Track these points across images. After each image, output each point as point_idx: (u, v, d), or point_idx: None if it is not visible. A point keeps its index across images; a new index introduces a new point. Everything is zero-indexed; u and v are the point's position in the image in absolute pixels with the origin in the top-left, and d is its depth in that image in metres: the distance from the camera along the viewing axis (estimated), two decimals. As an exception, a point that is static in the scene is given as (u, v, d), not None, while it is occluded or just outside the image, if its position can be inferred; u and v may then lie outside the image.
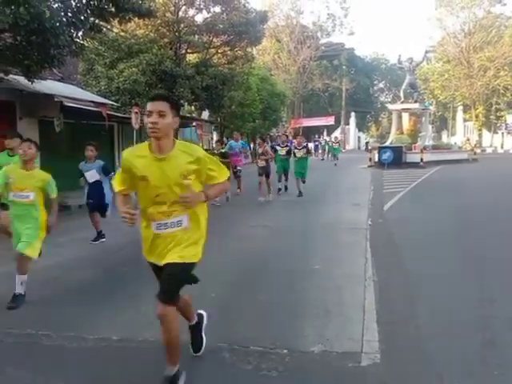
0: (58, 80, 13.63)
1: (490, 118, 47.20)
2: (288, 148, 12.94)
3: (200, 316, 3.56)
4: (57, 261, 6.18)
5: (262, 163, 11.92)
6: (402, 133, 27.82)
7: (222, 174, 3.06)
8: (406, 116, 28.07)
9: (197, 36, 18.55)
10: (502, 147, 45.44)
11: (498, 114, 46.66)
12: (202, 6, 17.83)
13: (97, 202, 7.39)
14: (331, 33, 56.53)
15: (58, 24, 7.93)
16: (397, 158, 23.53)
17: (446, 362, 3.28)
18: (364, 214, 9.71)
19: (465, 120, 51.84)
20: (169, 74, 16.14)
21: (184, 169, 2.80)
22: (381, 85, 72.44)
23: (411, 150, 25.25)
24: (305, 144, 13.61)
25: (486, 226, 8.33)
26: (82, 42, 9.70)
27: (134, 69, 15.04)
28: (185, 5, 17.68)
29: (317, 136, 44.23)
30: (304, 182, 12.77)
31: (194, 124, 24.26)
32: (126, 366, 3.34)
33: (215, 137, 29.09)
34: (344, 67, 60.83)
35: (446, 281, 5.17)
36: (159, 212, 2.87)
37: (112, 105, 14.01)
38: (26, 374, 3.20)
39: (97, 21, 9.33)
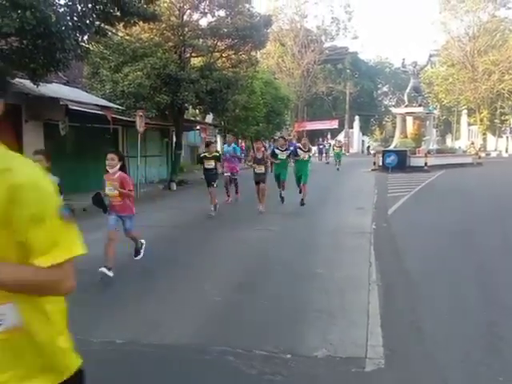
0: (64, 83, 13.70)
1: (495, 122, 46.99)
2: (289, 152, 11.99)
3: None
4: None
5: (259, 169, 10.62)
6: (406, 137, 27.76)
7: (61, 251, 1.33)
8: (410, 120, 28.02)
9: (201, 40, 18.59)
10: (506, 151, 45.25)
11: (502, 117, 46.45)
12: (206, 10, 17.88)
13: None
14: (335, 37, 56.61)
15: (63, 28, 7.98)
16: (401, 162, 23.46)
17: (450, 368, 3.27)
18: (368, 217, 9.69)
19: (469, 124, 51.66)
20: (173, 78, 16.19)
21: None
22: (385, 88, 72.35)
23: (415, 153, 25.19)
24: (310, 147, 12.79)
25: (490, 230, 8.29)
26: (87, 45, 9.75)
27: (138, 72, 15.09)
28: (189, 9, 17.73)
29: (321, 139, 44.15)
30: (304, 186, 11.58)
31: (198, 127, 24.33)
32: (131, 369, 3.35)
33: (219, 140, 29.14)
34: (348, 71, 60.80)
35: (451, 285, 5.16)
36: None
37: (117, 108, 14.06)
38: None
39: (102, 25, 9.38)
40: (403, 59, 29.84)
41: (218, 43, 18.55)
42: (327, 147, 36.06)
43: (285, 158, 11.68)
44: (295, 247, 7.22)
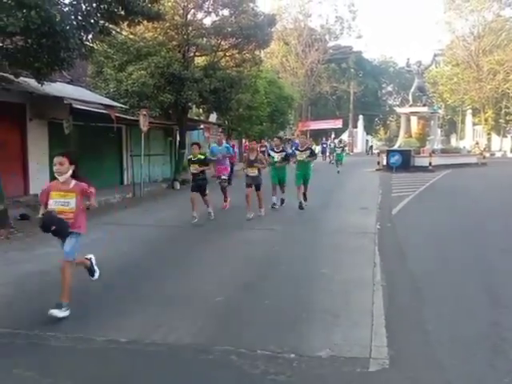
0: (68, 82, 13.72)
1: (500, 122, 46.78)
2: (285, 153, 10.93)
3: None
4: (65, 262, 6.21)
5: (252, 172, 9.68)
6: (410, 136, 27.69)
7: None
8: (414, 119, 27.93)
9: (205, 39, 18.57)
10: (511, 151, 45.06)
11: (507, 117, 46.22)
12: (210, 9, 17.85)
13: None
14: (339, 36, 56.53)
15: (68, 27, 7.98)
16: (405, 162, 23.40)
17: (455, 368, 3.25)
18: (372, 218, 9.66)
19: (474, 124, 51.47)
20: (177, 77, 16.18)
21: None
22: (389, 88, 72.19)
23: (420, 153, 25.12)
24: (309, 145, 12.09)
25: (495, 230, 8.26)
26: (91, 44, 9.73)
27: (142, 71, 15.09)
28: (193, 8, 17.70)
29: (324, 139, 44.06)
30: (305, 192, 10.97)
31: (201, 127, 24.33)
32: (134, 368, 3.35)
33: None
34: (352, 70, 60.66)
35: (455, 286, 5.13)
36: None
37: (120, 107, 14.07)
38: (35, 375, 3.21)
39: (106, 24, 9.37)
40: (408, 59, 29.79)
41: (222, 42, 18.52)
42: (332, 146, 35.70)
43: (280, 159, 10.66)
44: (299, 247, 7.20)
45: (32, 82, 10.03)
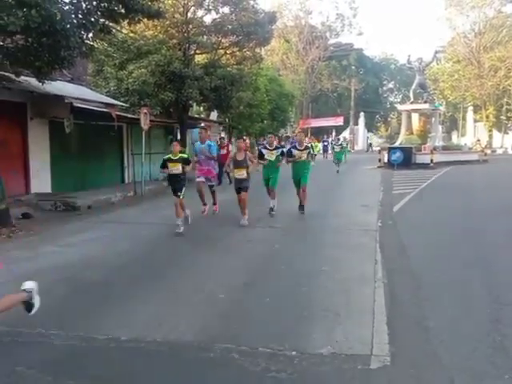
0: (68, 81, 13.73)
1: (501, 119, 46.66)
2: (280, 150, 9.80)
3: None
4: (67, 261, 6.24)
5: (240, 174, 8.65)
6: (411, 133, 27.65)
7: None
8: (415, 116, 27.88)
9: (205, 37, 18.57)
10: (512, 148, 44.99)
11: (508, 114, 46.08)
12: (210, 7, 17.83)
13: None
14: (340, 33, 56.43)
15: (68, 26, 7.98)
16: (406, 159, 23.38)
17: (456, 365, 3.26)
18: (373, 215, 9.66)
19: (475, 120, 51.33)
20: (177, 75, 16.18)
21: None
22: (390, 85, 72.07)
23: (421, 150, 25.08)
24: (308, 144, 10.90)
25: (496, 228, 8.25)
26: (91, 43, 9.74)
27: (143, 70, 15.09)
28: (193, 6, 17.70)
29: (325, 136, 44.00)
30: (304, 192, 9.71)
31: (202, 125, 24.32)
32: (135, 366, 3.36)
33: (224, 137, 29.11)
34: (353, 67, 60.59)
35: (456, 283, 5.13)
36: None
37: (121, 106, 14.07)
38: (36, 373, 3.23)
39: (106, 22, 9.37)
40: (409, 55, 29.72)
41: (223, 40, 18.52)
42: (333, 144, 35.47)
43: (273, 159, 9.60)
44: (299, 245, 7.20)
45: (33, 81, 10.04)
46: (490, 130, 47.54)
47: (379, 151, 27.66)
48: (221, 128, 28.46)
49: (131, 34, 16.46)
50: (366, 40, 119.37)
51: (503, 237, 7.54)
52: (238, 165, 8.67)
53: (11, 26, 7.18)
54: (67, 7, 8.46)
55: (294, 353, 3.44)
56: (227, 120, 25.93)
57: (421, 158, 24.14)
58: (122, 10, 9.18)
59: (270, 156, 9.61)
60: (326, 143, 37.20)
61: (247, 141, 32.82)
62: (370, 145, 52.15)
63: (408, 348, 3.55)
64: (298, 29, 52.53)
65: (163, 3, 15.08)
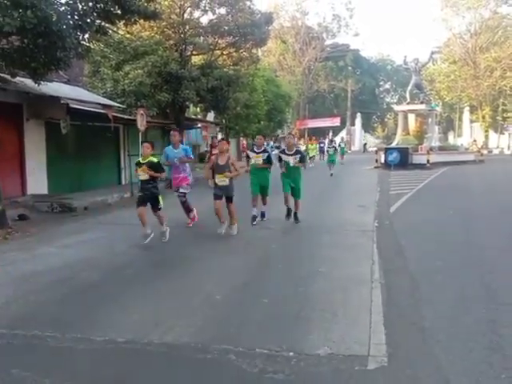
0: (65, 82, 13.70)
1: (497, 119, 46.87)
2: (267, 154, 8.87)
3: None
4: (64, 262, 6.22)
5: (221, 180, 7.62)
6: (408, 134, 27.73)
7: None
8: (412, 117, 27.97)
9: (202, 38, 18.59)
10: (508, 148, 45.13)
11: (504, 115, 46.30)
12: (207, 8, 17.84)
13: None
14: (336, 34, 56.51)
15: (64, 27, 7.96)
16: (403, 160, 23.45)
17: (452, 366, 3.26)
18: (370, 215, 9.67)
19: (471, 121, 51.54)
20: (174, 76, 16.17)
21: None
22: (386, 86, 72.31)
23: (417, 151, 25.16)
24: (299, 148, 9.82)
25: (492, 228, 8.28)
26: (87, 44, 9.71)
27: (139, 71, 15.07)
28: (190, 6, 17.70)
29: (322, 138, 44.01)
30: (297, 204, 8.83)
31: (199, 126, 24.32)
32: (132, 368, 3.35)
33: (220, 138, 29.12)
34: (349, 68, 60.77)
35: (453, 283, 5.14)
36: None
37: (118, 107, 14.05)
38: (33, 375, 3.21)
39: (103, 23, 9.34)
40: (405, 56, 29.82)
41: (219, 41, 18.53)
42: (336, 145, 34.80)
43: (260, 162, 8.72)
44: (296, 246, 7.21)
45: (29, 82, 10.01)
46: (487, 131, 47.73)
47: (376, 152, 27.72)
48: (217, 129, 28.49)
49: (127, 35, 16.45)
50: (363, 41, 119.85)
51: (500, 237, 7.56)
52: (220, 170, 7.67)
53: (7, 27, 7.16)
54: (63, 8, 8.44)
55: (291, 354, 3.44)
56: (224, 121, 25.95)
57: (417, 159, 24.22)
58: (119, 11, 9.17)
59: (257, 160, 8.71)
60: (322, 144, 37.15)
61: (244, 142, 32.85)
62: (365, 145, 52.18)
63: (405, 348, 3.55)
64: (294, 30, 52.59)
65: (160, 4, 15.11)
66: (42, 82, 9.50)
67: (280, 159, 8.91)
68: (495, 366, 3.24)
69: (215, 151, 14.71)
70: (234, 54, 19.33)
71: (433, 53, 36.13)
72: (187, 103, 18.60)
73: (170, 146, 8.88)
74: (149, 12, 9.91)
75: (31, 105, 11.54)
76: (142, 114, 13.77)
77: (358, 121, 57.32)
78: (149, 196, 7.17)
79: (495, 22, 45.12)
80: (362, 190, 14.69)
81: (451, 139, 52.37)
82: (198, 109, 24.94)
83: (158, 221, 7.39)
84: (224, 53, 19.29)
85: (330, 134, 52.63)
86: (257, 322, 4.11)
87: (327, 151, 22.66)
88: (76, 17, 8.52)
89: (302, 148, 25.71)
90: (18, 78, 9.79)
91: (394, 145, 27.32)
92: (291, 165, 8.63)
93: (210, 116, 27.02)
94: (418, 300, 4.61)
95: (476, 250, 6.73)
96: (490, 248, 6.79)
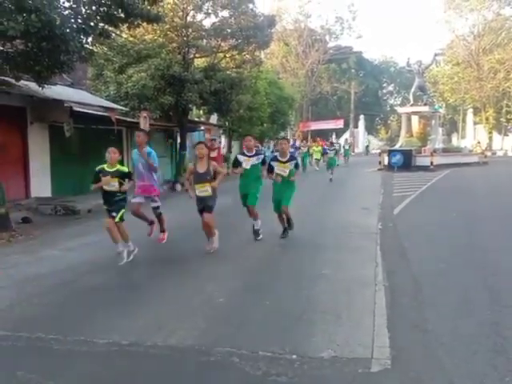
0: (68, 85, 13.75)
1: (501, 121, 46.73)
2: (262, 157, 7.69)
3: None
4: (67, 265, 6.23)
5: (202, 191, 6.52)
6: (411, 136, 27.69)
7: None
8: (415, 119, 27.93)
9: (205, 40, 18.62)
10: (512, 150, 45.02)
11: (508, 116, 46.15)
12: (210, 11, 17.89)
13: None
14: (339, 36, 56.53)
15: (68, 30, 8.01)
16: (406, 162, 23.41)
17: (456, 368, 3.25)
18: (374, 218, 9.65)
19: (475, 123, 51.39)
20: (177, 79, 16.20)
21: None
22: (390, 88, 72.22)
23: (421, 153, 25.11)
24: (293, 154, 9.01)
25: (496, 230, 8.25)
26: (91, 47, 9.77)
27: (142, 74, 15.11)
28: (193, 9, 17.74)
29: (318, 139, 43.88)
30: (285, 213, 7.68)
31: (202, 128, 24.35)
32: (136, 370, 3.35)
33: (223, 141, 29.14)
34: (352, 70, 60.71)
35: (456, 286, 5.13)
36: None
37: (121, 109, 14.09)
38: (37, 377, 3.22)
39: (106, 27, 9.39)
40: (408, 58, 29.81)
41: (222, 43, 18.56)
42: (337, 147, 34.33)
43: (250, 168, 7.50)
44: (300, 248, 7.19)
45: (32, 86, 10.06)
46: (490, 132, 47.59)
47: (379, 154, 27.68)
48: (221, 131, 28.52)
49: (131, 38, 16.49)
50: (366, 43, 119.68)
51: (503, 240, 7.53)
52: (200, 179, 6.55)
53: (11, 31, 7.20)
54: (67, 12, 8.48)
55: (294, 356, 3.43)
56: (227, 123, 25.96)
57: (421, 161, 24.17)
58: (122, 15, 9.20)
59: (248, 164, 7.53)
60: (325, 146, 37.00)
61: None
62: (367, 147, 52.00)
63: (408, 351, 3.54)
64: (297, 32, 52.65)
65: (162, 7, 15.15)
66: (45, 86, 9.55)
67: (271, 169, 7.62)
68: (499, 369, 3.22)
69: (213, 154, 14.51)
70: (237, 56, 19.36)
71: (436, 55, 36.11)
72: (190, 106, 18.61)
73: (136, 149, 7.56)
74: (152, 15, 9.95)
75: (35, 108, 11.59)
76: (145, 117, 13.82)
77: (362, 123, 57.25)
78: (118, 208, 6.26)
79: (498, 24, 45.03)
80: (366, 193, 14.67)
81: (455, 141, 52.18)
82: (201, 111, 24.97)
83: (120, 235, 6.32)
84: (227, 55, 19.32)
85: (334, 136, 52.61)
86: (260, 325, 4.11)
87: (327, 153, 21.31)
88: (79, 20, 8.56)
89: (304, 150, 25.71)
90: (21, 81, 9.84)
91: (397, 147, 27.28)
92: (276, 171, 7.48)
93: (213, 118, 27.04)
94: (422, 302, 4.60)
95: (479, 252, 6.70)
96: (494, 250, 6.77)
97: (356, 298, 4.73)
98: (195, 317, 4.31)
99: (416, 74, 28.80)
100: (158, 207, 7.45)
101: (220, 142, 28.09)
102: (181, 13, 17.51)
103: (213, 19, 18.37)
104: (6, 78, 9.36)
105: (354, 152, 48.32)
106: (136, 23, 9.91)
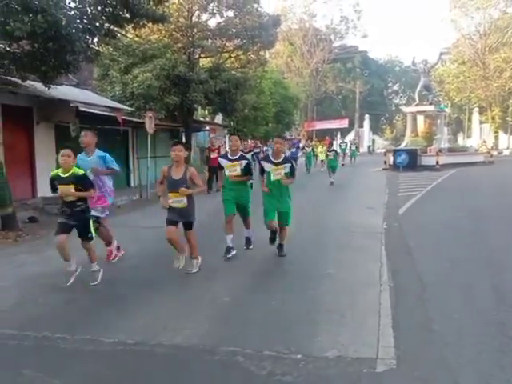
0: (74, 85, 13.82)
1: (507, 120, 46.42)
2: (246, 162, 6.46)
3: None
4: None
5: (176, 201, 5.49)
6: (417, 135, 27.58)
7: None
8: (420, 118, 27.81)
9: (210, 40, 18.68)
10: (518, 149, 44.74)
11: (514, 115, 45.94)
12: (215, 11, 17.95)
13: None
14: (344, 35, 56.47)
15: (73, 31, 8.05)
16: (412, 161, 23.31)
17: (462, 368, 3.24)
18: (379, 217, 9.63)
19: (481, 122, 51.11)
20: (182, 79, 16.26)
21: None
22: (395, 87, 71.98)
23: (426, 152, 25.00)
24: (287, 155, 7.68)
25: (502, 230, 8.20)
26: (97, 47, 9.80)
27: (148, 74, 15.17)
28: (198, 10, 17.81)
29: (327, 138, 43.73)
30: (284, 233, 6.50)
31: (207, 128, 24.41)
32: (141, 369, 3.36)
33: (228, 141, 29.15)
34: (357, 70, 60.62)
35: (462, 285, 5.11)
36: None
37: (126, 110, 14.14)
38: (43, 376, 3.24)
39: (111, 27, 9.43)
40: (413, 57, 29.74)
41: (227, 43, 18.62)
42: (343, 147, 32.23)
43: (238, 173, 6.38)
44: (305, 247, 7.19)
45: (39, 86, 10.12)
46: (496, 132, 47.31)
47: (385, 153, 27.59)
48: (225, 131, 28.57)
49: (136, 39, 16.57)
50: (371, 42, 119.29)
51: (510, 239, 7.49)
52: (174, 186, 5.50)
53: (17, 32, 7.25)
54: (72, 12, 8.52)
55: (299, 356, 3.44)
56: (232, 123, 26.00)
57: (426, 160, 24.06)
58: (127, 15, 9.24)
59: (232, 170, 6.38)
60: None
61: (251, 143, 32.79)
62: (369, 147, 51.72)
63: (414, 351, 3.53)
64: (302, 32, 52.65)
65: (168, 8, 15.21)
66: (51, 86, 9.60)
67: (262, 171, 6.44)
68: (506, 369, 3.21)
69: (213, 155, 13.90)
70: (242, 56, 19.40)
71: (441, 54, 35.96)
72: (195, 106, 18.68)
73: (83, 153, 6.42)
74: (157, 15, 9.97)
75: (41, 108, 11.66)
76: (150, 117, 13.85)
77: (367, 122, 57.08)
78: (75, 222, 5.27)
79: (505, 23, 44.74)
80: (371, 192, 14.63)
81: (460, 140, 51.93)
82: (206, 111, 25.04)
83: (88, 256, 5.44)
84: (232, 55, 19.37)
85: (339, 136, 52.43)
86: (265, 324, 4.11)
87: (326, 155, 18.93)
88: (85, 21, 8.60)
89: (309, 150, 25.26)
90: (28, 81, 9.90)
91: (402, 146, 27.17)
92: (272, 178, 6.16)
93: (218, 118, 27.10)
94: (427, 302, 4.59)
95: (485, 251, 6.67)
96: (499, 250, 6.74)
97: (361, 298, 4.72)
98: (200, 316, 4.32)
99: (421, 73, 28.66)
100: (98, 217, 6.09)
101: (225, 142, 28.00)
102: (186, 13, 17.57)
103: (218, 19, 18.46)
104: (13, 79, 9.42)
105: (359, 152, 48.22)
106: (141, 23, 9.95)
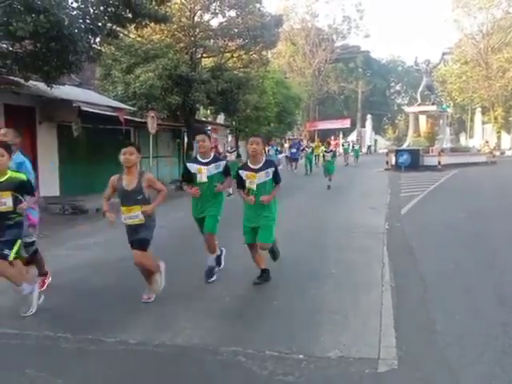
0: (76, 85, 13.84)
1: (509, 120, 46.32)
2: (219, 168, 5.37)
3: None
4: (75, 264, 6.28)
5: (130, 217, 4.59)
6: (419, 135, 27.56)
7: None
8: (423, 118, 27.80)
9: (212, 40, 18.68)
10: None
11: (517, 116, 45.82)
12: (217, 11, 17.95)
13: None
14: (347, 35, 56.36)
15: (76, 31, 8.08)
16: (414, 161, 23.30)
17: (464, 369, 3.23)
18: (381, 217, 9.62)
19: (483, 122, 51.00)
20: (184, 79, 16.26)
21: None
22: (397, 87, 71.86)
23: (429, 152, 24.99)
24: (270, 158, 6.48)
25: (504, 231, 8.18)
26: (99, 47, 9.84)
27: (150, 74, 15.18)
28: (200, 10, 17.81)
29: (332, 138, 43.76)
30: (275, 255, 5.57)
31: (209, 128, 24.41)
32: (143, 369, 3.37)
33: (230, 140, 29.19)
34: (360, 70, 60.55)
35: (464, 286, 5.10)
36: None
37: (129, 109, 14.16)
38: (45, 375, 3.25)
39: (114, 27, 9.45)
40: (416, 57, 29.63)
41: (229, 43, 18.61)
42: (346, 147, 32.72)
43: (207, 181, 5.28)
44: (307, 248, 7.19)
45: (41, 86, 10.14)
46: (499, 132, 47.21)
47: (387, 153, 27.57)
48: (227, 131, 28.58)
49: (138, 39, 16.58)
50: (373, 42, 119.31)
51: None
52: (127, 199, 4.62)
53: (20, 32, 7.28)
54: (75, 12, 8.55)
55: (301, 356, 3.44)
56: (234, 123, 25.99)
57: (428, 160, 24.05)
58: (129, 15, 9.27)
59: (203, 176, 5.28)
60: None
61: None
62: (369, 147, 51.54)
63: (416, 351, 3.53)
64: (304, 31, 52.60)
65: (170, 7, 15.21)
66: (54, 86, 9.63)
67: (240, 182, 5.16)
68: (508, 370, 3.20)
69: None
70: (244, 56, 19.39)
71: (444, 54, 35.88)
72: (197, 106, 18.69)
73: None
74: (159, 15, 10.00)
75: (44, 108, 11.69)
76: (152, 117, 13.87)
77: (369, 122, 57.01)
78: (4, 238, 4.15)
79: (507, 22, 44.63)
80: (373, 192, 14.62)
81: (463, 141, 51.86)
82: (208, 111, 25.04)
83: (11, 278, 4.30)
84: (234, 55, 19.36)
85: (341, 135, 52.38)
86: (266, 324, 4.11)
87: (324, 157, 17.53)
88: (87, 21, 8.62)
89: (309, 150, 25.07)
90: (30, 81, 9.93)
91: (404, 146, 27.16)
92: (248, 185, 5.07)
93: (220, 118, 27.10)
94: (429, 303, 4.58)
95: (487, 252, 6.66)
96: (502, 251, 6.73)
97: (363, 298, 4.72)
98: (202, 316, 4.32)
99: (424, 73, 28.64)
100: (32, 243, 4.98)
101: (227, 141, 27.96)
102: (188, 13, 17.57)
103: (220, 19, 18.45)
104: (16, 79, 9.45)
105: (361, 152, 48.18)
106: (144, 23, 9.98)
